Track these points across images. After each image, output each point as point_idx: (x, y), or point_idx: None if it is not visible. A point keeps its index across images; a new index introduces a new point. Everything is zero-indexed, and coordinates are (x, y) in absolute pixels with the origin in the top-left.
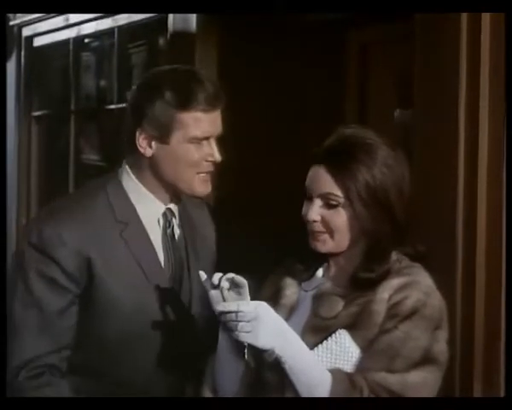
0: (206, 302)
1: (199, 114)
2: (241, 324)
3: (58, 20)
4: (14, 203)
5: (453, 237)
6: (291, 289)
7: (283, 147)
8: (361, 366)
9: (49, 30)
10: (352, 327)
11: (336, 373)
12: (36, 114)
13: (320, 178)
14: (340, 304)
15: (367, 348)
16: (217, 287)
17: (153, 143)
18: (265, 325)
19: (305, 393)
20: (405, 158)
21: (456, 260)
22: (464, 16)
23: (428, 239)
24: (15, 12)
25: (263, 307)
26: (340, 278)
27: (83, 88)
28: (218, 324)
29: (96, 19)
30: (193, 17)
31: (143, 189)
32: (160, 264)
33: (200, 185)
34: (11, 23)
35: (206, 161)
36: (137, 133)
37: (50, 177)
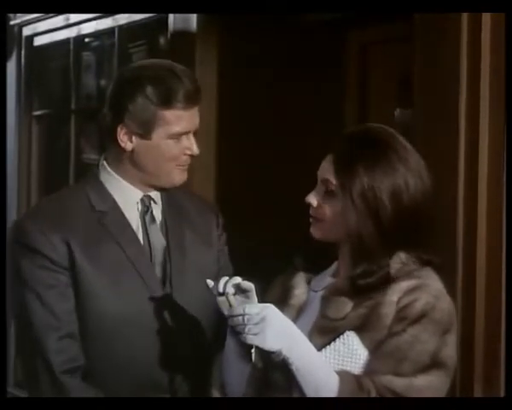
0: (187, 290)
1: (180, 112)
2: (248, 326)
3: (58, 20)
4: (14, 203)
5: (453, 238)
6: (300, 288)
7: (284, 147)
8: (369, 369)
9: (49, 29)
10: (360, 329)
11: (344, 375)
12: (36, 113)
13: (325, 164)
14: (348, 305)
15: (375, 350)
16: (222, 294)
17: (133, 138)
18: (272, 327)
19: (311, 394)
20: (419, 162)
21: (456, 261)
22: (465, 16)
23: (428, 240)
24: (16, 12)
25: (269, 308)
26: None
27: (83, 87)
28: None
29: (96, 18)
30: (193, 17)
31: (121, 180)
32: (142, 247)
33: (178, 176)
34: (11, 23)
35: (185, 154)
36: (119, 129)
37: (51, 176)
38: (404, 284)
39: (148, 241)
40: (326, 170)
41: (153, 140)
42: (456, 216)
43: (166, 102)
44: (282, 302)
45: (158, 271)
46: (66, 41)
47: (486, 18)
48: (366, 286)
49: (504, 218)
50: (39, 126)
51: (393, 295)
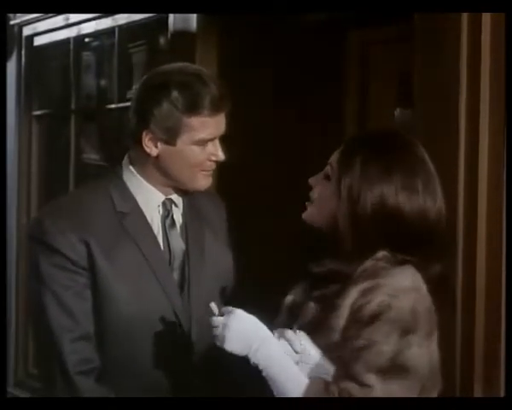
0: (204, 295)
1: (206, 119)
2: (214, 329)
3: (58, 20)
4: (14, 203)
5: (453, 238)
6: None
7: (284, 147)
8: (335, 373)
9: (49, 29)
10: (314, 330)
11: (314, 381)
12: (36, 113)
13: (336, 151)
14: (313, 309)
15: (330, 353)
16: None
17: (158, 144)
18: (235, 332)
19: (281, 396)
20: (428, 189)
21: (456, 261)
22: (465, 16)
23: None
24: (16, 12)
25: (234, 314)
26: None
27: (83, 87)
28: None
29: (96, 18)
30: (193, 17)
31: (144, 182)
32: (161, 250)
33: (202, 181)
34: (11, 22)
35: (210, 160)
36: (144, 134)
37: (51, 176)
38: (362, 286)
39: (168, 245)
40: (335, 154)
41: (178, 146)
42: (456, 217)
43: (192, 108)
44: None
45: (176, 275)
46: (66, 41)
47: (486, 18)
48: (317, 275)
49: (504, 218)
50: (39, 126)
51: (349, 299)
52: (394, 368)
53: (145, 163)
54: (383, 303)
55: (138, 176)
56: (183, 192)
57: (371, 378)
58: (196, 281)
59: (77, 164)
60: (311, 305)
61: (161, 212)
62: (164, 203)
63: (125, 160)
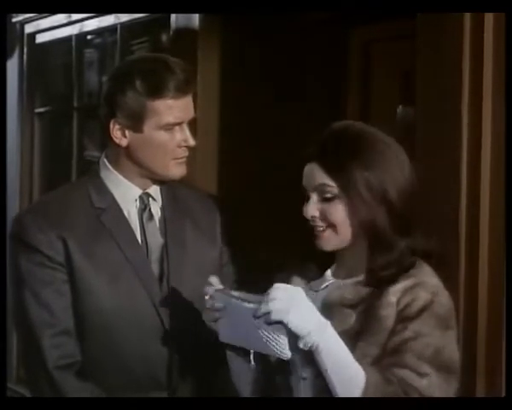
0: (185, 287)
1: (170, 102)
2: (272, 300)
3: (60, 17)
4: (16, 201)
5: (456, 235)
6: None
7: (285, 144)
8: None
9: (51, 27)
10: (361, 334)
11: (371, 370)
12: (38, 110)
13: (313, 172)
14: (352, 317)
15: (378, 348)
16: None
17: (127, 133)
18: (298, 308)
19: (338, 387)
20: (402, 150)
21: (458, 260)
22: (467, 15)
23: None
24: (17, 12)
25: (299, 290)
26: (349, 280)
27: (85, 85)
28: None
29: (98, 16)
30: (195, 15)
31: (120, 177)
32: (139, 244)
33: (176, 169)
34: (13, 20)
35: (180, 146)
36: (111, 124)
37: (53, 174)
38: (401, 285)
39: (146, 238)
40: (316, 177)
41: (145, 133)
42: (459, 213)
43: (155, 92)
44: None
45: (155, 268)
46: (68, 38)
47: (489, 16)
48: (390, 277)
49: (505, 217)
50: (41, 124)
51: (391, 297)
52: (440, 362)
53: (118, 156)
54: (428, 299)
55: (114, 171)
56: (160, 183)
57: (425, 367)
58: (176, 274)
59: (79, 161)
60: (344, 310)
61: (138, 206)
62: (141, 197)
63: (102, 156)
